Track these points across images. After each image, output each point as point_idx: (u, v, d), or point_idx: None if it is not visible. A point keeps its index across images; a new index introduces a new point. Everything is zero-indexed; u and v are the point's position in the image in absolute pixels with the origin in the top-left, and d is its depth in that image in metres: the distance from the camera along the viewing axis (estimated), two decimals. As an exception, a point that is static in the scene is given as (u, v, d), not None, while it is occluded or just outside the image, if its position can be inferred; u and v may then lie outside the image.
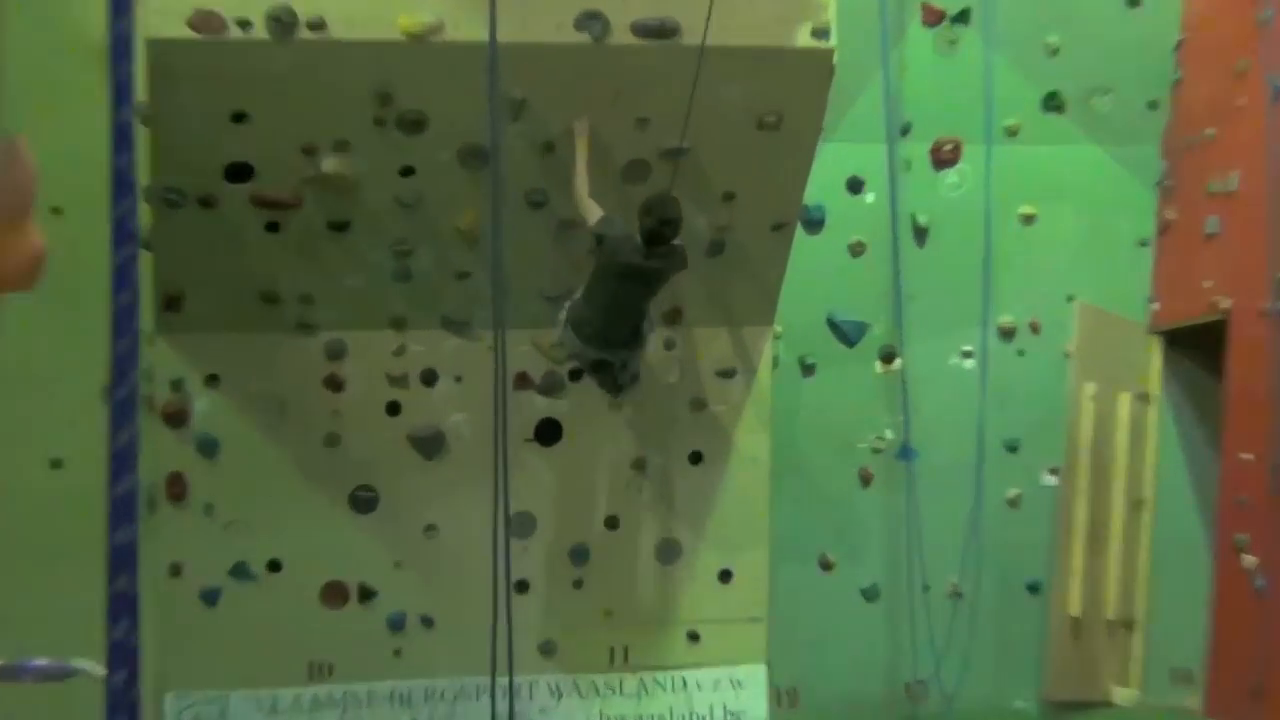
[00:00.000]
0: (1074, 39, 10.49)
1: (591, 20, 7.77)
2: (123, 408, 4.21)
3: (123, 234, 4.25)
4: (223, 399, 9.04)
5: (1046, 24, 10.47)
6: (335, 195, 8.37)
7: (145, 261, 8.19)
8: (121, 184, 4.28)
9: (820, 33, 8.00)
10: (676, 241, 8.04)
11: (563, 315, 8.32)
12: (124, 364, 4.23)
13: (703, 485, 9.71)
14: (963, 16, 10.39)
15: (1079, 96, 10.56)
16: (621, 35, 7.79)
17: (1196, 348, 10.65)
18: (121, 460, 4.16)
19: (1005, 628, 10.48)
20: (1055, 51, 10.51)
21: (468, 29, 7.50)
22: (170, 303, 8.79)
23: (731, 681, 9.78)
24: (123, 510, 4.14)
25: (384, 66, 7.77)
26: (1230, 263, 9.97)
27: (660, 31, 7.80)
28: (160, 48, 7.44)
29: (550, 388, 9.43)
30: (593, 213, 7.96)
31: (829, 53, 8.03)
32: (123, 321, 4.23)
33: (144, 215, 7.98)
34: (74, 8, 8.15)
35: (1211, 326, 10.13)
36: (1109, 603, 10.66)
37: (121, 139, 4.29)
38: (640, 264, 7.95)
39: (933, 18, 10.39)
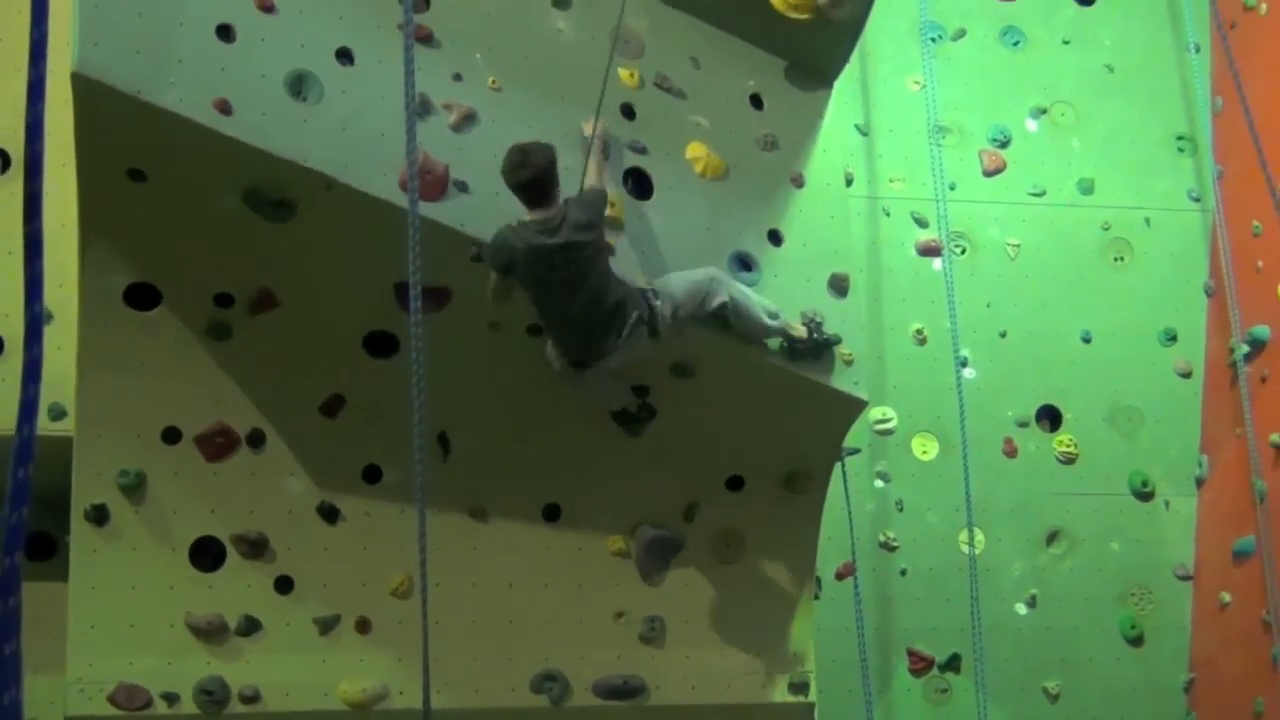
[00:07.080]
0: (1075, 683, 10.23)
1: (549, 682, 7.67)
2: None
3: None
4: None
5: (1044, 668, 10.25)
6: None
7: None
8: None
9: (799, 687, 7.96)
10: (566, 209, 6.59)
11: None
12: None
13: None
14: (953, 663, 10.17)
15: (1086, 743, 10.47)
16: (582, 697, 7.72)
17: None
18: None
19: None
20: (1056, 697, 10.25)
21: (414, 695, 7.06)
22: None
23: None
24: None
25: (322, 739, 7.65)
26: None
27: (624, 691, 7.72)
28: (79, 727, 7.31)
29: None
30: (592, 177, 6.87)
31: (809, 708, 8.00)
32: None
33: None
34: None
35: None
36: None
37: None
38: (540, 245, 6.49)
39: (920, 665, 10.18)
